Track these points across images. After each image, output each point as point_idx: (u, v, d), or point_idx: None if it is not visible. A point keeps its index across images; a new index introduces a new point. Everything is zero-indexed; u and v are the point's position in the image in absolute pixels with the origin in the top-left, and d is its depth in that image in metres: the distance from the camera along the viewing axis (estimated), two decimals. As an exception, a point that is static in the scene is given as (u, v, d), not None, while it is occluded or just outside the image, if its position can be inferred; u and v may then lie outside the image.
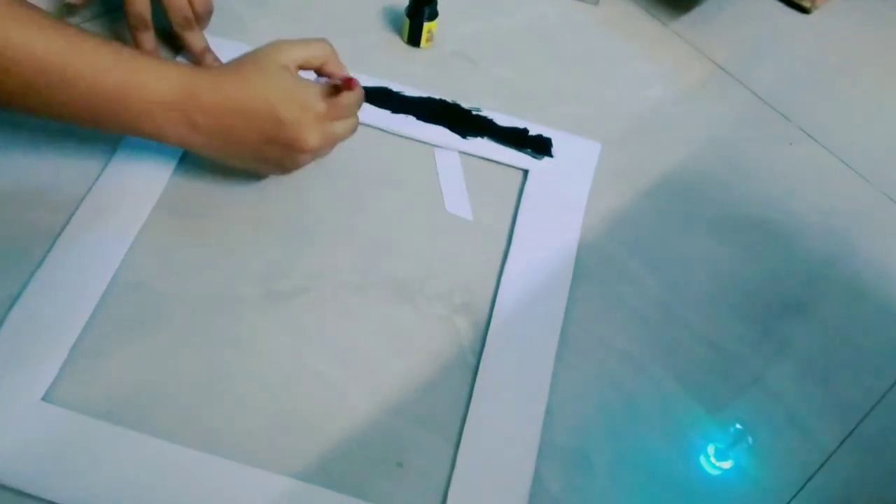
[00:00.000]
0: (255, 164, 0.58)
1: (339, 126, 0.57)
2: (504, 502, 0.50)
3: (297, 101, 0.53)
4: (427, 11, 0.71)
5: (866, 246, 0.67)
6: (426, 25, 0.71)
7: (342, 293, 0.58)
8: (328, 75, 0.58)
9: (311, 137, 0.54)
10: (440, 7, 0.72)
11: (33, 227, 0.56)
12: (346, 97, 0.56)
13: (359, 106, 0.58)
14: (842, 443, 0.57)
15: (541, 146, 0.68)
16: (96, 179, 0.59)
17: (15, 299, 0.53)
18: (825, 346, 0.61)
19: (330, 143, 0.57)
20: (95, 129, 0.54)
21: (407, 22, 0.72)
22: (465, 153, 0.67)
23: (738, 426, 0.56)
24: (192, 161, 0.62)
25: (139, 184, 0.60)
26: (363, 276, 0.59)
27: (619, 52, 0.77)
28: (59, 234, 0.56)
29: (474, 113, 0.69)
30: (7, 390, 0.49)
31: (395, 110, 0.67)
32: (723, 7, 0.83)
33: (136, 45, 0.63)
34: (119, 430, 0.49)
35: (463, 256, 0.61)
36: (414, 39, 0.73)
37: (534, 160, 0.67)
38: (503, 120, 0.68)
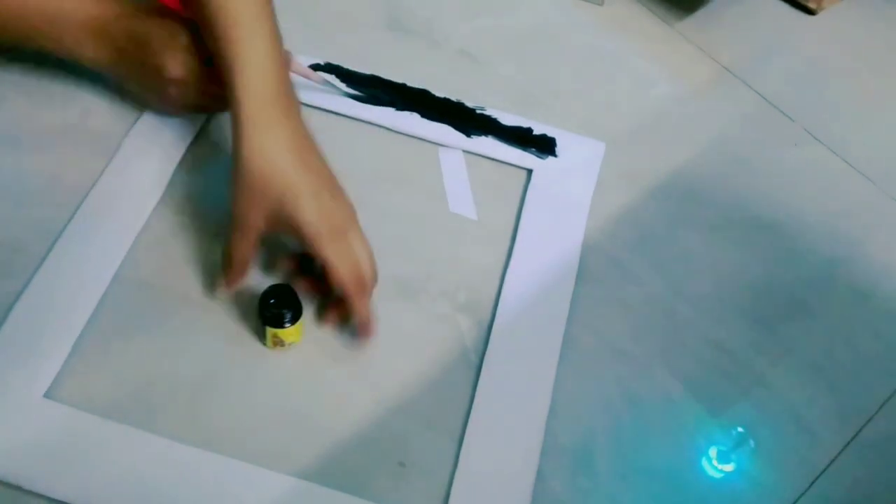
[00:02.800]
0: (143, 90, 0.61)
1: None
2: (507, 502, 0.50)
3: (168, 30, 0.57)
4: (271, 315, 0.52)
5: (871, 248, 0.67)
6: (270, 331, 0.53)
7: (345, 292, 0.57)
8: None
9: (173, 66, 0.57)
10: (445, 3, 0.71)
11: (36, 224, 0.56)
12: None
13: None
14: (846, 446, 0.56)
15: (545, 146, 0.67)
16: (99, 177, 0.59)
17: (18, 296, 0.53)
18: (830, 348, 0.61)
19: (194, 79, 0.57)
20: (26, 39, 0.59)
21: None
22: (469, 152, 0.66)
23: (741, 429, 0.56)
24: (194, 159, 0.62)
25: (142, 181, 0.60)
26: (366, 274, 0.58)
27: (624, 52, 0.77)
28: (62, 231, 0.56)
29: (478, 112, 0.68)
30: (9, 387, 0.49)
31: (399, 107, 0.67)
32: (728, 8, 0.83)
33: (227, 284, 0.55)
34: (121, 427, 0.49)
35: (466, 256, 0.61)
36: (262, 338, 0.54)
37: (538, 160, 0.66)
38: (507, 119, 0.68)
